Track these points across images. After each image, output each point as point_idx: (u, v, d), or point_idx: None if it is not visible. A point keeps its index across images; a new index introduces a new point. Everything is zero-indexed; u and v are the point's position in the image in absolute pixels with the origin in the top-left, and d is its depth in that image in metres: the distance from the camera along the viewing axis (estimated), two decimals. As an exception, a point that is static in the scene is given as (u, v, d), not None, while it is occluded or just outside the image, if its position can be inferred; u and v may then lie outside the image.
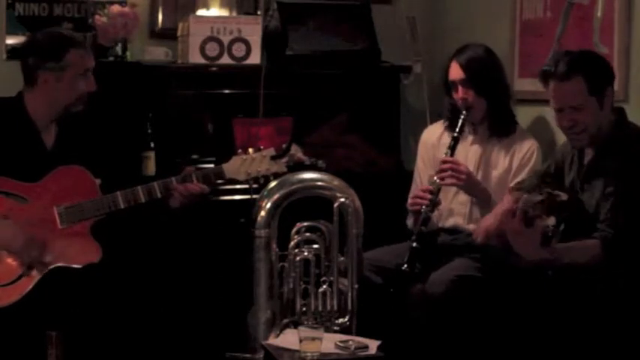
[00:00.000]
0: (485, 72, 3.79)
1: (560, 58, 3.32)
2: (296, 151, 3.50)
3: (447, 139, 3.86)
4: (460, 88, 3.80)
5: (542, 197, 3.14)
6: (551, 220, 3.14)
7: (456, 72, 3.81)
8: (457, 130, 3.76)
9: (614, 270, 3.09)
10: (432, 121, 4.38)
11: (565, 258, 3.15)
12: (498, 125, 3.83)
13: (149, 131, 4.12)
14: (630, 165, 3.14)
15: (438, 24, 4.80)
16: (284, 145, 3.52)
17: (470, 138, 3.88)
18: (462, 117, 3.77)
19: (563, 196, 3.17)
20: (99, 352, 3.26)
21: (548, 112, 4.00)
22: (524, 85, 4.15)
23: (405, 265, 3.60)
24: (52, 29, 3.61)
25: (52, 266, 3.28)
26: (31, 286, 3.24)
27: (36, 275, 3.26)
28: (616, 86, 3.37)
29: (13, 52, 4.39)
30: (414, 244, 3.64)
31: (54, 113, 3.46)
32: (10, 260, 3.26)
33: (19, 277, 3.25)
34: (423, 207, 3.68)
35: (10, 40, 4.41)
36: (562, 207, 3.17)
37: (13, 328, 3.18)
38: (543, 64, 3.98)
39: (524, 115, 4.10)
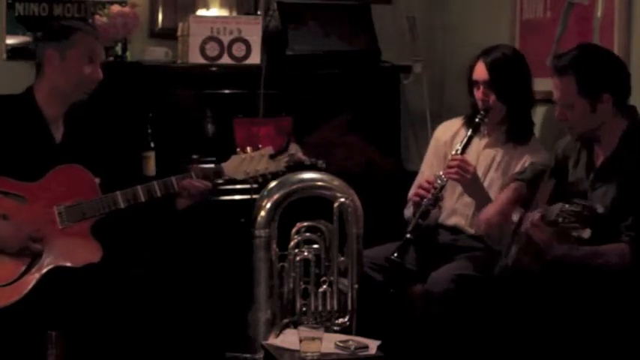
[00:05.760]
0: (510, 76, 3.72)
1: (569, 50, 3.31)
2: (296, 151, 3.50)
3: (461, 136, 3.80)
4: (482, 89, 3.73)
5: (578, 209, 3.06)
6: (587, 233, 3.09)
7: (480, 72, 3.74)
8: (472, 129, 3.72)
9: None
10: (432, 121, 4.38)
11: (594, 260, 3.12)
12: (515, 131, 3.76)
13: (149, 131, 4.12)
14: None
15: (438, 24, 4.80)
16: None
17: (484, 141, 3.82)
18: (479, 117, 3.72)
19: (600, 209, 3.12)
20: (99, 352, 3.26)
21: (548, 112, 4.00)
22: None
23: (396, 255, 3.57)
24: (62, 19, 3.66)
25: (52, 266, 3.28)
26: (31, 286, 3.24)
27: (36, 275, 3.26)
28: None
29: (13, 52, 4.39)
30: (408, 235, 3.62)
31: (61, 103, 3.45)
32: (10, 260, 3.26)
33: (20, 277, 3.25)
34: (425, 200, 3.66)
35: (10, 40, 4.41)
36: (599, 219, 3.12)
37: (13, 328, 3.18)
38: (544, 63, 3.99)
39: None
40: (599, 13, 3.70)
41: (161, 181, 3.42)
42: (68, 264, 3.28)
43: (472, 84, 3.79)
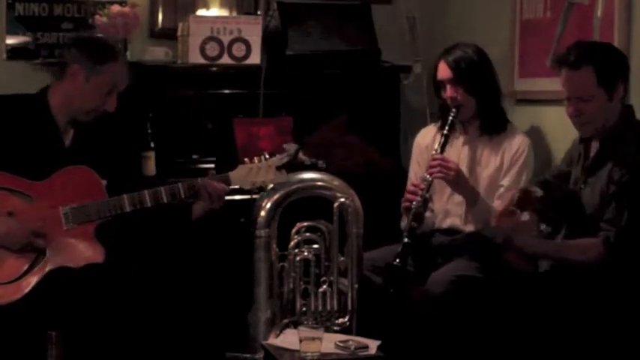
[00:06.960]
0: (474, 70, 3.77)
1: (574, 46, 3.32)
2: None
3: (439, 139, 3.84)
4: (448, 87, 3.78)
5: (518, 194, 3.21)
6: (525, 216, 3.20)
7: (443, 71, 3.80)
8: (446, 128, 3.75)
9: (616, 270, 3.09)
10: (432, 122, 4.37)
11: (559, 254, 3.18)
12: (489, 123, 3.82)
13: (149, 131, 4.12)
14: (634, 163, 3.13)
15: (438, 24, 4.80)
16: (284, 146, 3.51)
17: (461, 138, 3.86)
18: (452, 115, 3.76)
19: (538, 192, 3.21)
20: (99, 352, 3.26)
21: (548, 112, 4.01)
22: (524, 85, 4.14)
23: (397, 260, 3.57)
24: (104, 36, 3.66)
25: (54, 266, 3.27)
26: (32, 286, 3.24)
27: (38, 275, 3.26)
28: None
29: (13, 52, 4.39)
30: (406, 240, 3.62)
31: (69, 113, 3.45)
32: (13, 258, 3.26)
33: (22, 276, 3.25)
34: (414, 203, 3.67)
35: (10, 40, 4.41)
36: (535, 201, 3.20)
37: (13, 327, 3.18)
38: (544, 63, 3.99)
39: (523, 115, 4.10)
40: (599, 13, 3.69)
41: (168, 187, 3.40)
42: (70, 265, 3.28)
43: (438, 86, 3.85)
